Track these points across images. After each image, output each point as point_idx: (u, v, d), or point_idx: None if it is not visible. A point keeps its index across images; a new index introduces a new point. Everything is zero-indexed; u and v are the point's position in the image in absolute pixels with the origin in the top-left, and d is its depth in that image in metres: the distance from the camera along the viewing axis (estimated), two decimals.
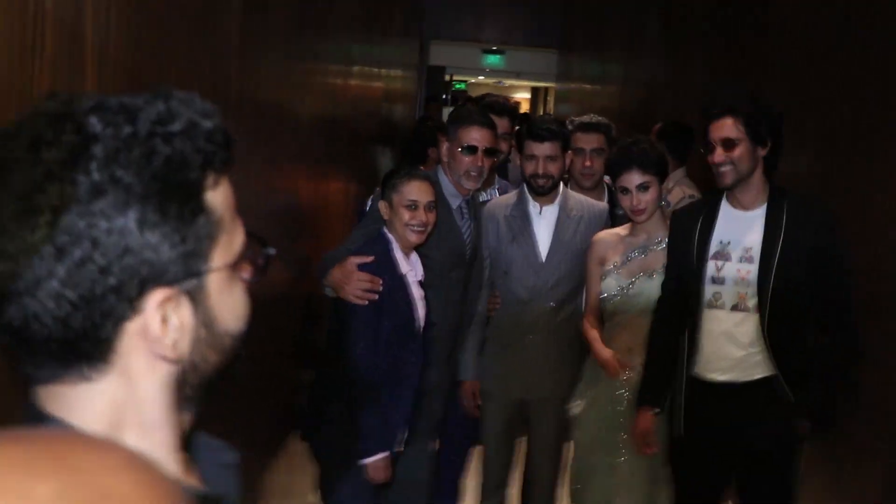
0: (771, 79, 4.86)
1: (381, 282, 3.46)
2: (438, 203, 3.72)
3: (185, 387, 0.98)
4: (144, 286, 0.91)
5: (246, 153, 3.97)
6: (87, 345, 0.90)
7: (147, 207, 0.89)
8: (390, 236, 3.59)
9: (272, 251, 1.07)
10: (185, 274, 0.93)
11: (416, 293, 3.62)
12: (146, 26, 2.43)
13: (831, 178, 3.94)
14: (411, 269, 3.62)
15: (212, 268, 0.96)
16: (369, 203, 4.13)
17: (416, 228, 3.55)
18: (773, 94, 4.60)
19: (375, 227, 3.66)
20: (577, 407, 3.89)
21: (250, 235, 1.03)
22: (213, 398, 1.03)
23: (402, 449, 3.61)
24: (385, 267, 3.50)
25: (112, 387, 0.93)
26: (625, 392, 3.74)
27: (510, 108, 4.83)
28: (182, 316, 0.94)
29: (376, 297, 3.44)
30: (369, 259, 3.48)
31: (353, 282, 3.44)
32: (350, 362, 3.43)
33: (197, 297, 0.95)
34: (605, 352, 3.77)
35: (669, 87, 7.71)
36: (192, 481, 1.03)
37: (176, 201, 0.91)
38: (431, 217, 3.59)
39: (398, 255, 3.57)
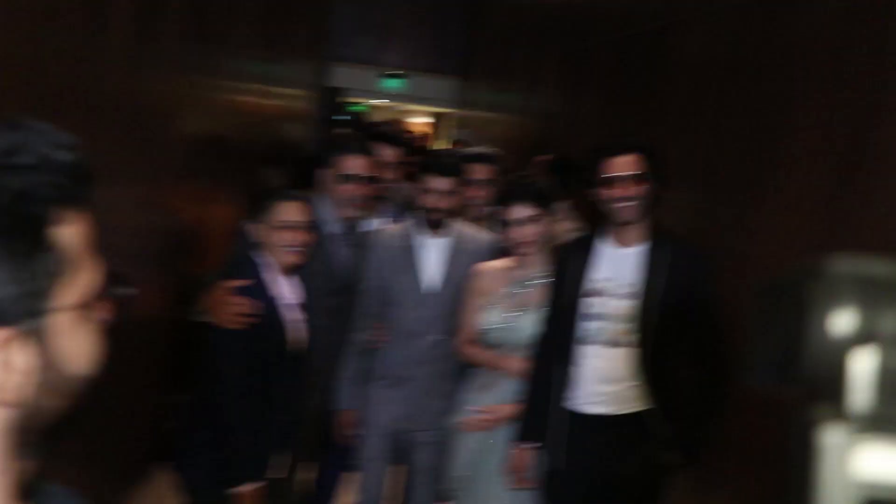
0: (663, 119, 4.93)
1: (253, 305, 3.38)
2: (317, 230, 3.67)
3: (27, 433, 0.92)
4: None
5: (128, 166, 3.85)
6: None
7: None
8: (265, 259, 3.52)
9: (132, 291, 1.03)
10: (27, 314, 0.88)
11: (293, 317, 3.55)
12: (19, 38, 2.32)
13: (713, 219, 4.00)
14: (286, 291, 3.55)
15: (57, 307, 0.90)
16: (247, 224, 4.07)
17: (291, 250, 3.49)
18: (664, 134, 4.66)
19: (249, 250, 3.59)
20: (462, 414, 3.86)
21: (109, 273, 0.98)
22: (64, 440, 0.97)
23: (277, 476, 3.53)
24: (259, 290, 3.42)
25: None
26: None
27: (400, 138, 4.83)
28: (22, 358, 0.88)
29: (250, 320, 3.36)
30: (243, 282, 3.40)
31: (225, 305, 3.35)
32: (223, 387, 3.34)
33: (40, 339, 0.89)
34: (514, 361, 3.74)
35: (566, 120, 7.79)
36: None
37: (20, 238, 0.86)
38: (306, 239, 3.54)
39: (272, 277, 3.50)
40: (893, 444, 0.49)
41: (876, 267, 0.51)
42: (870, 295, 0.50)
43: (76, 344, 0.94)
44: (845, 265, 0.51)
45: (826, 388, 0.50)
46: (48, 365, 0.91)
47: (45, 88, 2.63)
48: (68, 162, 0.91)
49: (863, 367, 0.49)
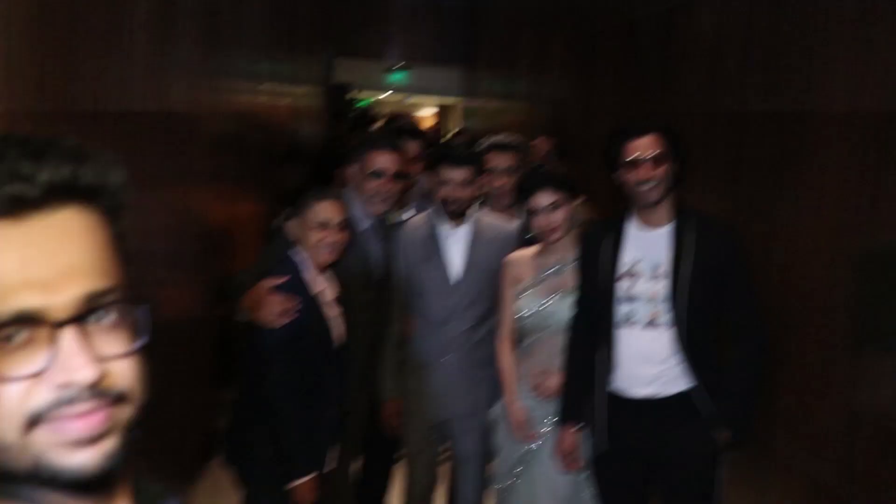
0: (678, 98, 4.96)
1: (295, 303, 3.43)
2: (351, 227, 3.71)
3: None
4: None
5: (156, 171, 3.90)
6: None
7: None
8: (301, 257, 3.57)
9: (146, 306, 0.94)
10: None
11: (331, 312, 3.60)
12: (50, 43, 2.37)
13: (738, 200, 4.03)
14: (324, 288, 3.60)
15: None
16: (279, 223, 4.12)
17: (327, 247, 3.54)
18: (679, 113, 4.70)
19: (286, 248, 3.64)
20: (497, 410, 3.93)
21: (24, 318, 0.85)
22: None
23: (329, 469, 3.59)
24: (298, 287, 3.48)
25: None
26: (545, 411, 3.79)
27: (420, 132, 4.87)
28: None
29: (291, 318, 3.42)
30: (282, 280, 3.45)
31: (267, 304, 3.41)
32: (270, 385, 3.40)
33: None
34: (517, 411, 3.82)
35: (577, 104, 7.81)
36: None
37: None
38: (342, 237, 3.58)
39: (310, 275, 3.55)
40: None
41: None
42: None
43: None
44: None
45: None
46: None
47: (73, 99, 2.68)
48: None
49: None
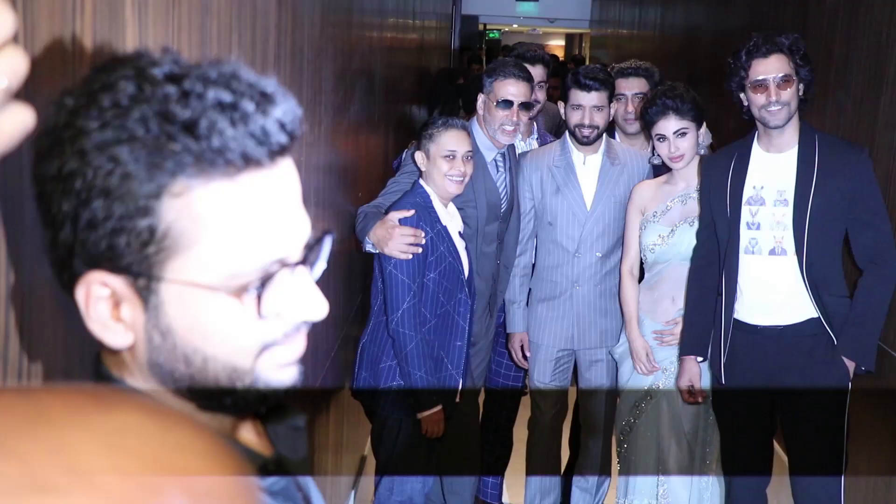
0: (817, 17, 4.77)
1: (423, 235, 3.46)
2: (476, 157, 3.70)
3: (173, 382, 0.93)
4: (94, 261, 0.87)
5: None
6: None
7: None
8: (428, 188, 3.58)
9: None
10: (135, 269, 0.87)
11: (458, 244, 3.62)
12: None
13: (878, 121, 3.87)
14: (451, 219, 3.62)
15: (165, 278, 0.88)
16: (404, 155, 4.13)
17: (454, 179, 3.53)
18: (818, 32, 4.52)
19: (411, 180, 3.66)
20: (620, 347, 3.93)
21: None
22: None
23: (457, 400, 3.64)
24: (426, 219, 3.50)
25: None
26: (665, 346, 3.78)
27: (543, 57, 4.78)
28: (127, 309, 0.89)
29: (420, 250, 3.45)
30: (410, 213, 3.48)
31: (395, 237, 3.43)
32: (399, 317, 3.45)
33: (148, 300, 0.89)
34: (639, 342, 3.79)
35: (708, 31, 7.60)
36: (262, 444, 1.06)
37: (118, 197, 0.84)
38: (469, 167, 3.57)
39: (438, 206, 3.57)
40: None
41: None
42: None
43: (202, 325, 0.91)
44: None
45: None
46: (159, 329, 0.91)
47: (205, 28, 2.74)
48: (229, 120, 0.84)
49: None
